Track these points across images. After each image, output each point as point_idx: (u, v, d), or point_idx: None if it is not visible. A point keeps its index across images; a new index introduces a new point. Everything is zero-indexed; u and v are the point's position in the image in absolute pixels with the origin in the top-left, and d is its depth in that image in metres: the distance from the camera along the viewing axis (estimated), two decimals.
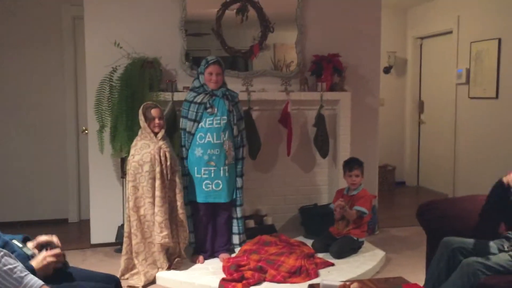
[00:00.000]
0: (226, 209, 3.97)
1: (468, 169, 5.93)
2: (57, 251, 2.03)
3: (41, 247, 2.08)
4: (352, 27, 4.80)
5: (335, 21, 4.76)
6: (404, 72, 7.12)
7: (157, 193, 3.57)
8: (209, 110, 3.79)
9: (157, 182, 3.58)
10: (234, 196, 3.98)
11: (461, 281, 2.55)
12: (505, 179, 2.76)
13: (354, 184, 4.07)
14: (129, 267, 3.68)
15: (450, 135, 6.23)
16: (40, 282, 1.65)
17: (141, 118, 3.68)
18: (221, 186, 3.82)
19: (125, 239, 3.68)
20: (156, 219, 3.56)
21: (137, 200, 3.64)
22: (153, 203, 3.59)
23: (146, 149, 3.63)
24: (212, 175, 3.80)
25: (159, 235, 3.55)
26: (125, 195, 4.35)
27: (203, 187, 3.82)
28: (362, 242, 4.09)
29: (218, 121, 3.79)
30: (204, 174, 3.81)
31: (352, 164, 4.10)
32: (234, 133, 3.92)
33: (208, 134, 3.78)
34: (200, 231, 3.94)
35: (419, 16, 6.83)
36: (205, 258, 3.90)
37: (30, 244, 2.09)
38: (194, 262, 3.85)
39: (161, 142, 3.66)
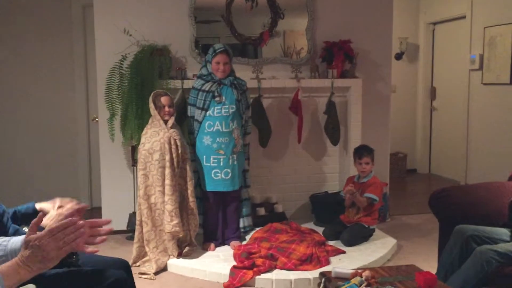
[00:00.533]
0: (236, 197, 3.97)
1: (481, 156, 5.86)
2: None
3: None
4: (363, 13, 4.73)
5: (346, 6, 4.70)
6: (416, 58, 7.03)
7: (167, 181, 3.58)
8: (217, 98, 3.77)
9: (167, 171, 3.58)
10: (242, 183, 3.99)
11: (474, 269, 2.53)
12: None
13: (364, 172, 4.04)
14: (141, 255, 3.70)
15: (462, 122, 6.16)
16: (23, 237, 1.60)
17: (151, 106, 3.68)
18: (230, 175, 3.81)
19: (137, 227, 3.70)
20: (166, 208, 3.57)
21: (147, 189, 3.65)
22: (163, 192, 3.60)
23: (155, 137, 3.63)
24: (221, 163, 3.79)
25: (169, 223, 3.56)
26: (136, 183, 4.37)
27: (212, 175, 3.81)
28: (373, 230, 4.08)
29: (227, 110, 3.77)
30: (213, 162, 3.80)
31: (361, 152, 4.07)
32: (242, 122, 3.91)
33: (217, 122, 3.77)
34: (210, 219, 3.94)
35: (432, 1, 6.72)
36: (216, 246, 3.91)
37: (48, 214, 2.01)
38: (205, 249, 3.87)
39: (171, 130, 3.65)
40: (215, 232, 3.95)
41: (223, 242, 3.96)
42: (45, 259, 1.28)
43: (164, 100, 3.68)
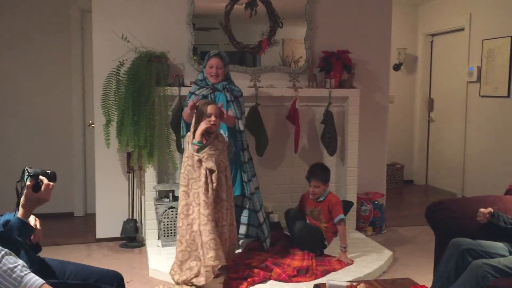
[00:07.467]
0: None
1: (478, 169, 5.85)
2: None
3: None
4: (362, 23, 4.74)
5: (345, 17, 4.70)
6: (414, 70, 7.04)
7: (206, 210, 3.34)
8: None
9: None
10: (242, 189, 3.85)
11: (470, 283, 2.50)
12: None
13: (314, 195, 3.89)
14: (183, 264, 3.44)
15: (460, 134, 6.16)
16: (41, 281, 1.62)
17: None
18: None
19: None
20: (202, 239, 3.30)
21: (185, 207, 3.40)
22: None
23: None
24: None
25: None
26: (131, 190, 4.34)
27: None
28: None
29: None
30: None
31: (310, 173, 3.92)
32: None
33: None
34: None
35: (430, 13, 6.74)
36: None
37: None
38: None
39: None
40: None
41: None
42: None
43: (211, 109, 3.39)
